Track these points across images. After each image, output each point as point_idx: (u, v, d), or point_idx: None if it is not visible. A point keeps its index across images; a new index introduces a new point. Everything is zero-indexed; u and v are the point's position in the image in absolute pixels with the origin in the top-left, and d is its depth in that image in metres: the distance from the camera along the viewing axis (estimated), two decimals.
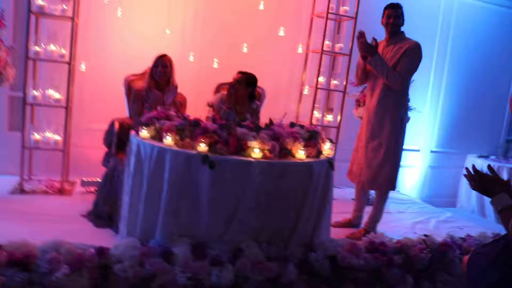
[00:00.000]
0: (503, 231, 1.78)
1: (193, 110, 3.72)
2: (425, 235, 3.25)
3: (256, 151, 2.56)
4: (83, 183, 4.18)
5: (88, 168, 4.21)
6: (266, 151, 2.58)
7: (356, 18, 4.58)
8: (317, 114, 4.73)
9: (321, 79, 4.68)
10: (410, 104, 4.58)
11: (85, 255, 2.42)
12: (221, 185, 2.55)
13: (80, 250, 2.46)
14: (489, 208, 4.81)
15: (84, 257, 2.40)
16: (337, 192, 4.76)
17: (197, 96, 4.18)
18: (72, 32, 3.97)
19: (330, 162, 2.84)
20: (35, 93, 4.03)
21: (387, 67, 3.46)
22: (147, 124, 2.83)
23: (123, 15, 4.22)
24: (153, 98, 3.62)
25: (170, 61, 3.68)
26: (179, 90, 3.84)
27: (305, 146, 2.78)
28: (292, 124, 2.99)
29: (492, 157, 5.25)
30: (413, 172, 5.57)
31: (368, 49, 3.46)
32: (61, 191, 4.09)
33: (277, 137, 2.69)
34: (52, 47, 3.98)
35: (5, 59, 3.63)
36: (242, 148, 2.60)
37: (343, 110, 4.69)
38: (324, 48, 4.59)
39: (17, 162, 3.98)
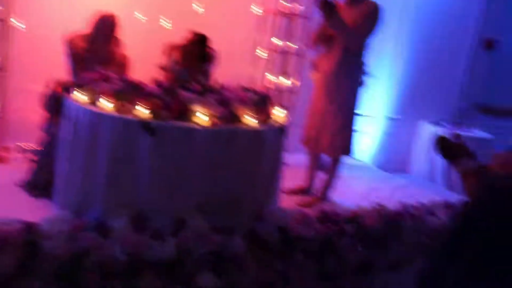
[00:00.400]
0: (452, 197, 1.79)
1: (142, 72, 3.47)
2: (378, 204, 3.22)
3: (201, 117, 2.38)
4: (21, 150, 3.88)
5: (27, 133, 3.88)
6: (212, 117, 2.40)
7: None
8: (272, 77, 4.56)
9: (277, 41, 4.50)
10: (366, 69, 4.49)
11: (10, 231, 2.21)
12: (162, 152, 2.37)
13: (5, 226, 2.24)
14: (440, 174, 4.86)
15: (9, 234, 2.19)
16: (289, 158, 4.68)
17: (147, 58, 3.90)
18: None
19: (281, 129, 2.70)
20: None
21: (347, 26, 3.34)
22: (83, 86, 2.59)
23: None
24: (97, 58, 3.35)
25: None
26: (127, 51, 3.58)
27: (256, 111, 2.62)
28: (245, 89, 2.82)
29: (445, 123, 5.27)
30: (367, 138, 5.54)
31: (326, 8, 3.30)
32: None
33: (225, 102, 2.51)
34: None
35: None
36: (186, 114, 2.41)
37: (300, 73, 4.54)
38: (280, 9, 4.39)
39: None
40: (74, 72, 3.40)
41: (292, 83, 4.57)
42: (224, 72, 3.88)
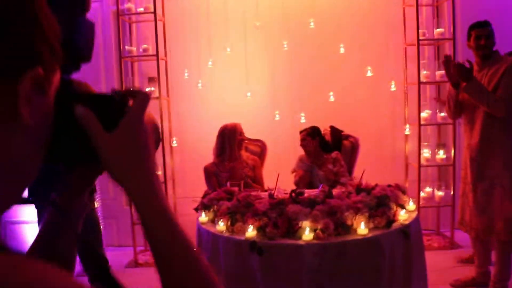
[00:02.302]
0: None
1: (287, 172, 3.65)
2: None
3: (306, 232, 2.30)
4: None
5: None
6: (318, 231, 2.30)
7: (454, 39, 4.01)
8: (426, 153, 4.19)
9: (424, 114, 4.17)
10: None
11: None
12: (273, 272, 2.33)
13: None
14: None
15: None
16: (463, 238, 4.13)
17: (293, 154, 4.04)
18: (161, 109, 4.20)
19: (404, 232, 2.41)
20: None
21: (487, 92, 2.94)
22: (206, 207, 2.78)
23: (204, 86, 4.32)
24: (224, 171, 3.60)
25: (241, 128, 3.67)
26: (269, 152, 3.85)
27: (372, 215, 2.42)
28: (358, 190, 2.64)
29: None
30: None
31: (463, 73, 2.98)
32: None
33: (333, 212, 2.38)
34: None
35: None
36: (293, 229, 2.36)
37: (457, 144, 4.08)
38: (422, 79, 4.09)
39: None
40: (209, 187, 3.68)
41: (447, 156, 4.12)
42: (377, 153, 3.76)
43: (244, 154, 3.71)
